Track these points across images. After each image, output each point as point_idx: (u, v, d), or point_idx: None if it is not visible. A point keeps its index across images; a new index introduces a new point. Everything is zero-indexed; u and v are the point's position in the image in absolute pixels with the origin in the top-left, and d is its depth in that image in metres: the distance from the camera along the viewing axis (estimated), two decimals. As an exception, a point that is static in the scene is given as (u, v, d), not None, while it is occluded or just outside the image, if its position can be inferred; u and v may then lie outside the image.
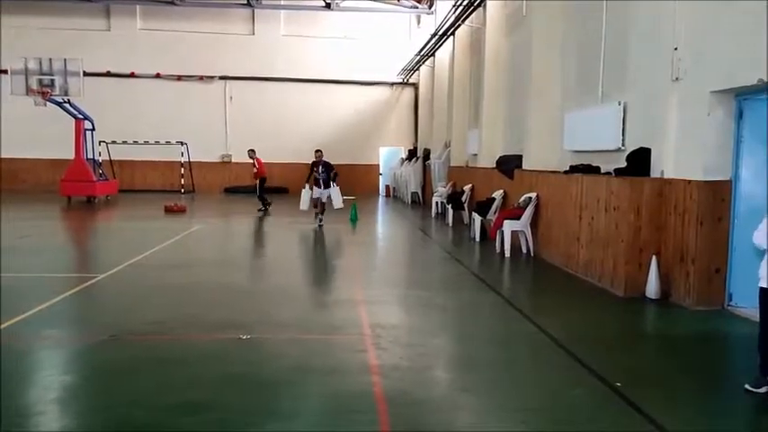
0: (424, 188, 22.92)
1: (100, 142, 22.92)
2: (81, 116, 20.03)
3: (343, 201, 15.27)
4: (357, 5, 25.37)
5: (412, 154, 25.32)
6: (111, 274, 8.51)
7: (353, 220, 15.71)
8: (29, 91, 18.90)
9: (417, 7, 25.47)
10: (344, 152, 24.57)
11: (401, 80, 26.95)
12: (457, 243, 12.84)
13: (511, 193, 12.19)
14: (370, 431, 3.79)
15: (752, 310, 5.84)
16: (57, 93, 19.09)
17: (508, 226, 10.60)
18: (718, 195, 6.71)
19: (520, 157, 12.16)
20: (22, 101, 19.68)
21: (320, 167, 14.45)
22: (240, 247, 12.93)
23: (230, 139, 26.15)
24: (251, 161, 18.69)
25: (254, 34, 26.45)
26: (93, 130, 20.89)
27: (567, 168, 9.91)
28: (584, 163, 9.48)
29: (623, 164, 8.13)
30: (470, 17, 16.95)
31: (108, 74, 25.21)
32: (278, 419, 3.93)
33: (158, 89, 25.88)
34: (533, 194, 10.64)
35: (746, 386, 4.41)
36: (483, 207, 12.54)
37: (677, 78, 7.15)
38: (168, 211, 17.32)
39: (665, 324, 6.73)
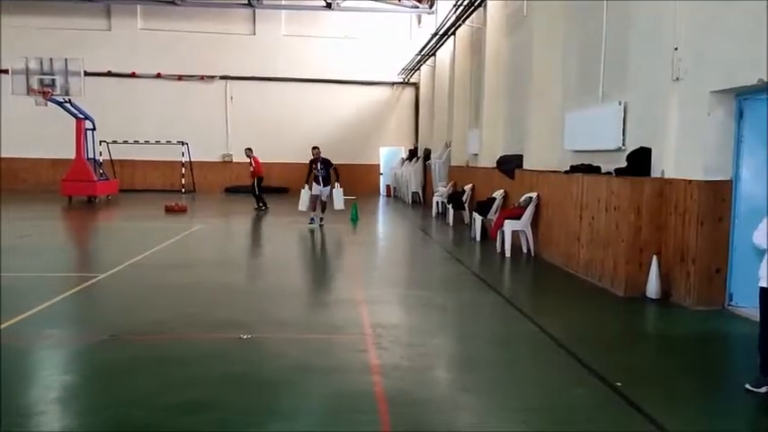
0: (424, 188, 22.91)
1: (101, 142, 22.90)
2: (82, 116, 20.04)
3: (344, 201, 15.22)
4: (358, 5, 25.36)
5: (412, 154, 25.32)
6: (111, 273, 8.52)
7: (354, 219, 15.71)
8: (30, 91, 18.90)
9: (418, 7, 25.46)
10: (345, 152, 24.55)
11: (402, 80, 26.95)
12: (457, 243, 12.84)
13: (511, 193, 12.20)
14: (371, 431, 3.79)
15: (752, 310, 5.84)
16: (58, 92, 19.09)
17: (509, 226, 10.60)
18: (718, 195, 6.71)
19: (520, 157, 12.15)
20: (22, 100, 19.68)
21: (319, 164, 14.23)
22: (241, 246, 12.95)
23: (231, 138, 26.14)
24: (248, 160, 18.77)
25: (254, 34, 26.45)
26: (94, 129, 20.89)
27: (568, 168, 9.91)
28: (585, 163, 9.48)
29: (624, 164, 8.13)
30: (471, 17, 16.95)
31: (109, 74, 25.23)
32: (278, 419, 3.93)
33: (159, 89, 25.89)
34: (534, 194, 10.65)
35: (747, 386, 4.41)
36: (483, 207, 12.54)
37: (678, 78, 7.15)
38: (169, 210, 17.32)
39: (666, 324, 6.73)
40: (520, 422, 4.00)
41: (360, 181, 25.57)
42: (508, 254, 10.49)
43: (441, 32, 19.52)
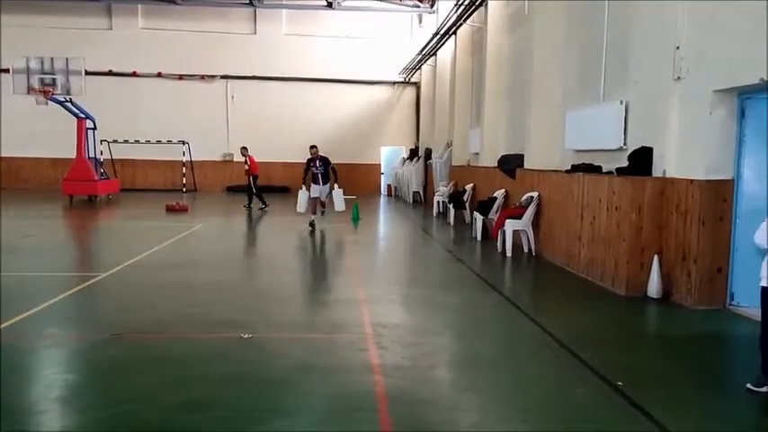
0: (425, 187, 22.91)
1: (101, 141, 22.92)
2: (83, 115, 20.04)
3: (345, 201, 15.15)
4: (359, 4, 25.36)
5: (413, 153, 25.31)
6: (112, 273, 8.52)
7: (355, 219, 15.71)
8: (30, 90, 18.93)
9: (419, 6, 25.47)
10: (346, 151, 24.59)
11: (403, 79, 26.94)
12: (458, 242, 12.83)
13: (512, 193, 12.19)
14: (372, 430, 3.79)
15: (753, 310, 5.84)
16: (58, 92, 19.12)
17: (510, 225, 10.60)
18: (720, 195, 6.70)
19: (521, 157, 12.15)
20: (23, 100, 19.70)
21: (318, 162, 13.86)
22: (242, 246, 12.95)
23: (232, 138, 26.11)
24: (242, 159, 18.82)
25: (255, 33, 26.45)
26: (95, 129, 20.89)
27: (569, 168, 9.89)
28: (586, 162, 9.47)
29: (625, 163, 8.12)
30: (472, 17, 16.95)
31: (110, 73, 25.24)
32: (280, 418, 3.93)
33: (160, 88, 25.90)
34: (535, 194, 10.64)
35: (748, 385, 4.41)
36: (484, 206, 12.54)
37: (679, 77, 7.14)
38: (170, 210, 17.33)
39: (667, 323, 6.73)
40: (521, 422, 3.99)
41: (361, 180, 25.60)
42: (509, 253, 10.49)
43: (442, 32, 19.52)
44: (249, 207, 18.09)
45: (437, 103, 22.37)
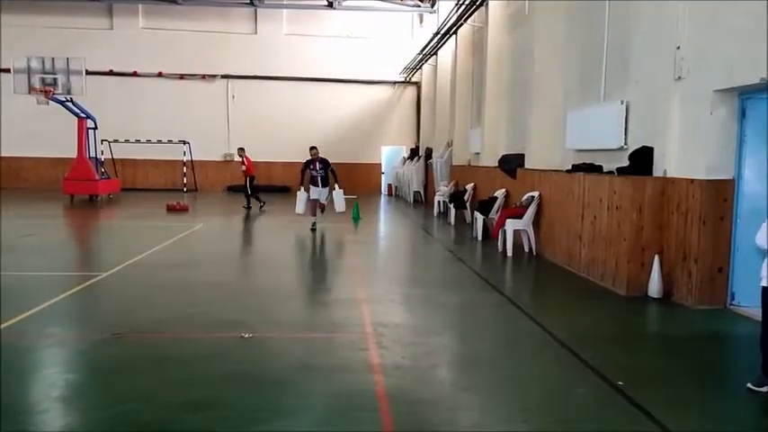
0: (426, 187, 22.92)
1: (102, 141, 22.93)
2: (83, 115, 20.06)
3: (345, 201, 15.07)
4: (359, 4, 25.35)
5: (414, 153, 25.32)
6: (113, 272, 8.53)
7: (356, 219, 15.71)
8: (31, 90, 18.93)
9: (420, 6, 25.46)
10: (347, 151, 24.62)
11: (403, 79, 26.95)
12: (459, 242, 12.83)
13: (513, 192, 12.19)
14: (372, 430, 3.79)
15: (754, 310, 5.84)
16: (59, 91, 19.12)
17: (510, 225, 10.60)
18: (720, 194, 6.70)
19: (522, 156, 12.15)
20: (24, 99, 19.70)
21: (317, 164, 13.61)
22: (242, 245, 12.95)
23: (232, 137, 26.13)
24: (239, 159, 18.82)
25: (256, 33, 26.47)
26: (96, 128, 20.91)
27: (570, 167, 9.89)
28: (587, 162, 9.46)
29: (626, 163, 8.12)
30: (472, 16, 16.95)
31: (110, 72, 25.28)
32: (280, 418, 3.93)
33: (160, 88, 25.93)
34: (536, 193, 10.64)
35: (749, 385, 4.41)
36: (485, 206, 12.54)
37: (680, 77, 7.14)
38: (170, 209, 17.34)
39: (668, 323, 6.73)
40: (521, 421, 3.99)
41: (361, 180, 25.61)
42: (510, 253, 10.49)
43: (442, 32, 19.52)
44: (249, 207, 18.10)
45: (438, 103, 22.36)
